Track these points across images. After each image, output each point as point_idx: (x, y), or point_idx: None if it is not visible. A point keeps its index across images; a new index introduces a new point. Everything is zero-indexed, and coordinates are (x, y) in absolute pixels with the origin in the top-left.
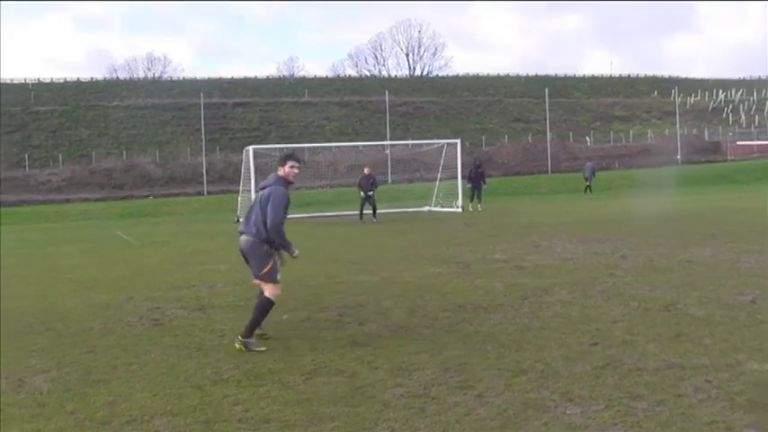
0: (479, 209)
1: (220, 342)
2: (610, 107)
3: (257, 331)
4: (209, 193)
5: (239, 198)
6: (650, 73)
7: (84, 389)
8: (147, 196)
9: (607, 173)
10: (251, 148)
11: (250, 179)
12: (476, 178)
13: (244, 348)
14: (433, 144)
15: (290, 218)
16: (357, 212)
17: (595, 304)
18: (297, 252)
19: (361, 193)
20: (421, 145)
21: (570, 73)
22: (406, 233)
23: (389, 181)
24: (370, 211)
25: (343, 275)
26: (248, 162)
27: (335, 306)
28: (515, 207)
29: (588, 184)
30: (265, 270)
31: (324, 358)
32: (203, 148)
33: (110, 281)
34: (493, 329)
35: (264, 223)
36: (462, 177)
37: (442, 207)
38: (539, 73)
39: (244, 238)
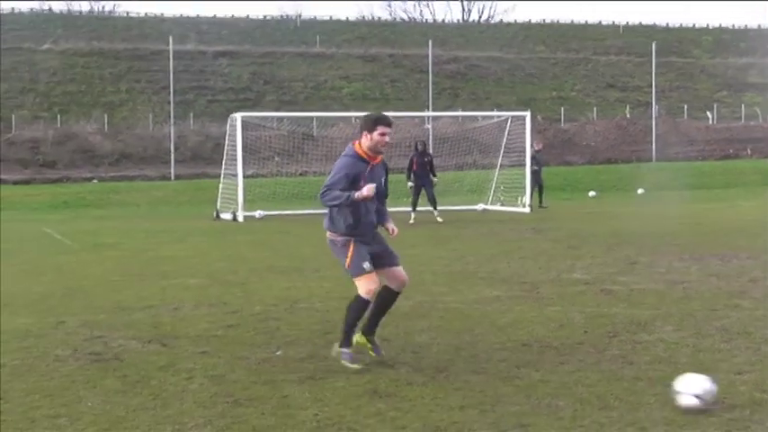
0: (540, 205)
1: (186, 387)
2: (742, 71)
3: (361, 339)
4: (177, 176)
5: (221, 185)
6: None
7: None
8: (90, 179)
9: (735, 162)
10: (239, 115)
11: (237, 159)
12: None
13: (339, 359)
14: (493, 117)
15: (290, 214)
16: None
17: (713, 347)
18: (362, 193)
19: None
20: (476, 118)
21: (688, 22)
22: (451, 240)
23: None
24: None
25: None
26: (234, 135)
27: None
28: (604, 208)
29: None
30: (347, 264)
31: (331, 413)
32: (171, 115)
33: (32, 298)
34: (568, 378)
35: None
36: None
37: (502, 205)
38: (643, 21)
39: (327, 235)
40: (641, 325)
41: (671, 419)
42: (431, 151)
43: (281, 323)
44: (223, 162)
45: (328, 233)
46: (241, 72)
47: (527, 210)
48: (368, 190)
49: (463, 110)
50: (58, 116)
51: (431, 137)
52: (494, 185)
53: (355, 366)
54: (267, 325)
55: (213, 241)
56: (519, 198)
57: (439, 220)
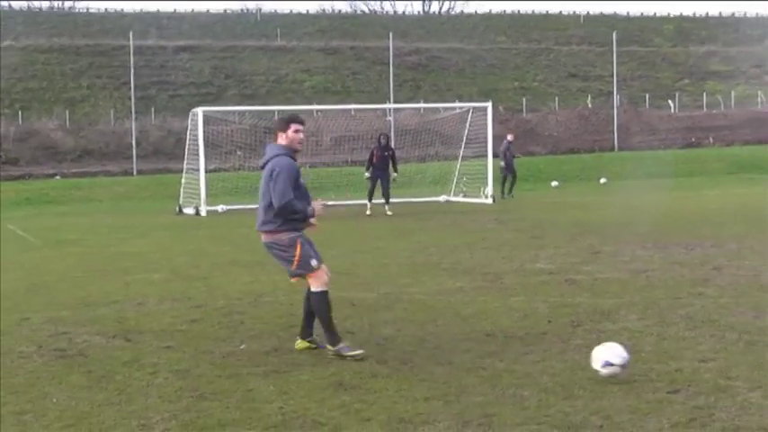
0: (509, 197)
1: (151, 382)
2: (704, 59)
3: (302, 345)
4: (139, 172)
5: (183, 180)
6: (765, 11)
7: None
8: (53, 176)
9: (698, 151)
10: (200, 110)
11: (198, 153)
12: (508, 156)
13: (336, 356)
14: (455, 109)
15: (252, 208)
16: (348, 203)
17: (677, 335)
18: (317, 206)
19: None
20: (437, 110)
21: (649, 11)
22: (415, 232)
23: None
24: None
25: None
26: (196, 130)
27: (314, 333)
28: (566, 198)
29: None
30: (296, 262)
31: (296, 406)
32: (132, 110)
33: None
34: (532, 368)
35: (269, 209)
36: (496, 155)
37: (465, 196)
38: (604, 11)
39: (262, 237)
40: (605, 314)
41: (635, 407)
42: (392, 145)
43: (244, 317)
44: (185, 157)
45: (269, 235)
46: (202, 66)
47: (490, 201)
48: (320, 209)
49: (425, 101)
50: (20, 113)
51: (392, 129)
52: (456, 177)
53: (360, 351)
54: (231, 319)
55: (176, 236)
56: (481, 189)
57: (388, 213)
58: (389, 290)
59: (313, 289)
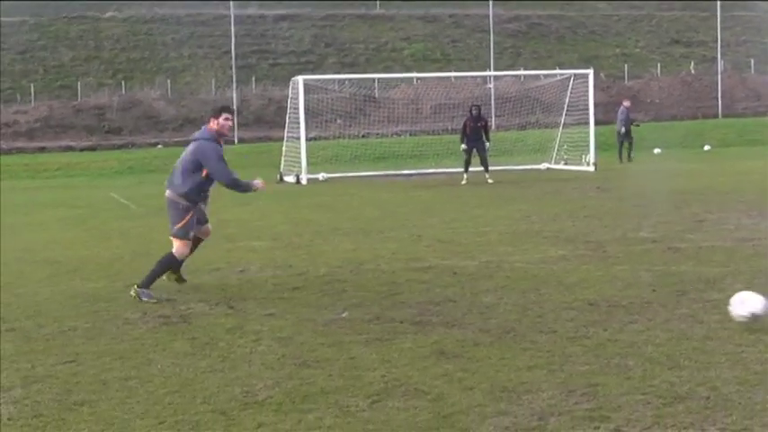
0: (630, 159)
1: (254, 349)
2: None
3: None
4: (241, 140)
5: (284, 148)
6: None
7: (62, 414)
8: (155, 145)
9: None
10: (300, 78)
11: (299, 121)
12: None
13: (137, 298)
14: (555, 76)
15: (352, 176)
16: (448, 170)
17: None
18: (258, 183)
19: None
20: (538, 77)
21: None
22: (516, 200)
23: (493, 127)
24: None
25: (428, 258)
26: (296, 98)
27: (416, 301)
28: (669, 165)
29: None
30: (179, 225)
31: (398, 374)
32: (233, 79)
33: (101, 262)
34: (636, 338)
35: (183, 177)
36: (598, 123)
37: (566, 164)
38: None
39: (167, 192)
40: (710, 283)
41: (743, 379)
42: (492, 113)
43: (346, 285)
44: (286, 125)
45: (176, 195)
46: (302, 35)
47: (591, 168)
48: (263, 184)
49: (525, 69)
50: (123, 83)
51: (492, 97)
52: (557, 144)
53: (154, 300)
54: (333, 287)
55: (277, 204)
56: (583, 156)
57: (489, 181)
58: (490, 258)
59: (172, 251)
